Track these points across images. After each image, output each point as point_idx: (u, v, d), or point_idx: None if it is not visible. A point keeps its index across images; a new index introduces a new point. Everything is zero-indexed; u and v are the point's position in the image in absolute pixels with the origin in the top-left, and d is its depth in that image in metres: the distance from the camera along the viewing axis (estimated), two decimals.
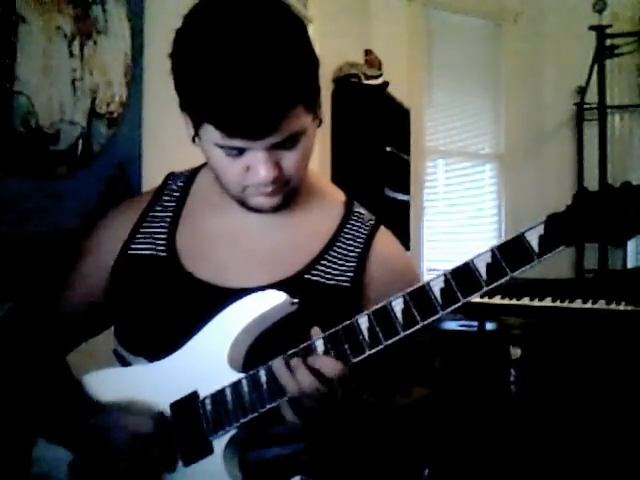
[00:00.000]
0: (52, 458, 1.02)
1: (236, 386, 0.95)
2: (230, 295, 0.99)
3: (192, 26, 0.94)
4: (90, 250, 1.14)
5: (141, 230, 1.11)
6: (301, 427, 0.92)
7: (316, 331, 0.92)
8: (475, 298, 0.89)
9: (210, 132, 0.94)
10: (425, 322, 0.89)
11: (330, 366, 0.89)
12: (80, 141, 1.57)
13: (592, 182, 3.79)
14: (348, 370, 0.90)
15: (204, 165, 1.14)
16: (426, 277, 0.91)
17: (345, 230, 1.10)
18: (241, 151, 0.95)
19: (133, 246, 1.10)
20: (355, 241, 1.09)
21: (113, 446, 0.97)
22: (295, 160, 0.98)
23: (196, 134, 0.98)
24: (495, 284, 0.87)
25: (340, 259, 1.07)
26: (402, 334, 0.89)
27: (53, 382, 1.09)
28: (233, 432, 0.95)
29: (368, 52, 3.76)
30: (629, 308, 2.97)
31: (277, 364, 0.91)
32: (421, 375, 1.13)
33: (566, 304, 3.10)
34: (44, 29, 1.43)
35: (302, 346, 0.92)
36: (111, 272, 1.10)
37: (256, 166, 0.95)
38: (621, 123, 4.62)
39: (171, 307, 1.04)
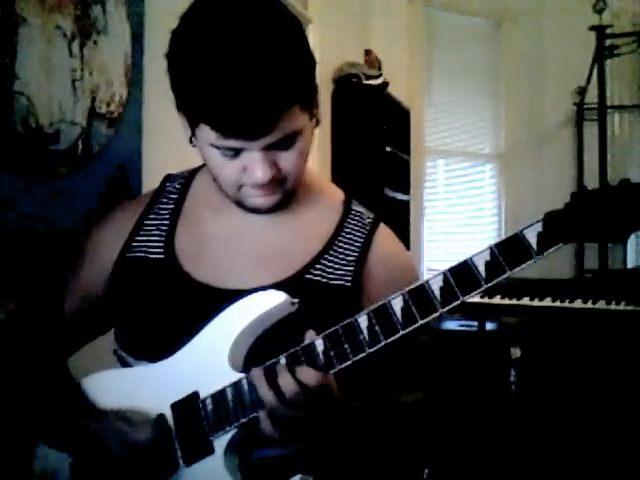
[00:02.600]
0: (55, 455, 1.03)
1: (237, 386, 0.95)
2: (229, 296, 0.98)
3: (188, 26, 0.94)
4: (89, 253, 1.14)
5: (140, 233, 1.11)
6: (280, 439, 0.92)
7: (311, 334, 0.92)
8: (474, 297, 0.90)
9: (206, 132, 0.93)
10: (424, 320, 0.89)
11: (311, 376, 0.89)
12: (80, 141, 1.57)
13: (592, 182, 3.78)
14: (331, 379, 0.91)
15: (202, 166, 1.14)
16: (426, 277, 0.91)
17: (345, 229, 1.10)
18: (237, 152, 0.95)
19: (132, 249, 1.10)
20: (355, 240, 1.09)
21: (112, 454, 0.97)
22: (292, 160, 0.98)
23: (193, 134, 0.98)
24: (494, 282, 0.87)
25: (340, 258, 1.07)
26: (402, 332, 0.89)
27: (53, 387, 1.09)
28: (234, 432, 0.95)
29: (368, 52, 3.76)
30: (629, 308, 2.97)
31: (256, 374, 0.91)
32: (417, 377, 1.13)
33: (566, 304, 3.11)
34: (44, 29, 1.43)
35: (301, 346, 0.92)
36: (110, 274, 1.10)
37: (252, 167, 0.95)
38: (621, 123, 4.62)
39: (170, 309, 1.04)
